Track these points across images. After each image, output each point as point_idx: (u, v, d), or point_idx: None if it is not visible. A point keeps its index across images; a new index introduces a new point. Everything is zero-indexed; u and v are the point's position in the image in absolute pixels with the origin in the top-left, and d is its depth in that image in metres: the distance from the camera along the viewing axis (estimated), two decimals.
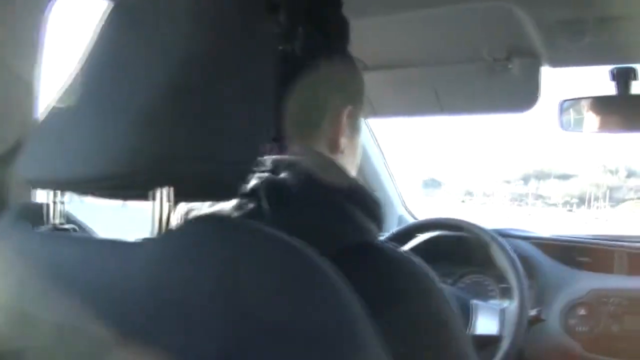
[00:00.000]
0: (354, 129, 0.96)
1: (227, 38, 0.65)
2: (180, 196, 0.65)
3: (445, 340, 0.78)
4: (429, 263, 2.03)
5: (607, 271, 1.98)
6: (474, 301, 1.70)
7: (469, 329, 1.63)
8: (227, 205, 0.79)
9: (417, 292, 0.76)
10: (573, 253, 2.04)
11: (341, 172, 0.86)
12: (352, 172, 0.95)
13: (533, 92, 1.43)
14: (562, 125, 1.66)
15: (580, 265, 2.01)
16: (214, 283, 0.57)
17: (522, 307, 1.59)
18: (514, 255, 1.67)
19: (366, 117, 1.78)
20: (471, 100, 1.55)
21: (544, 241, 2.10)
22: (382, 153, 2.34)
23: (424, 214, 2.62)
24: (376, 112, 1.71)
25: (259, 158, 0.80)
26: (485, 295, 2.06)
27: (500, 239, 1.71)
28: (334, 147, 0.90)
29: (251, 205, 0.78)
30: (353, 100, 0.93)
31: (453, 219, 1.85)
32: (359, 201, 0.81)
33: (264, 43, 0.71)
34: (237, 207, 0.79)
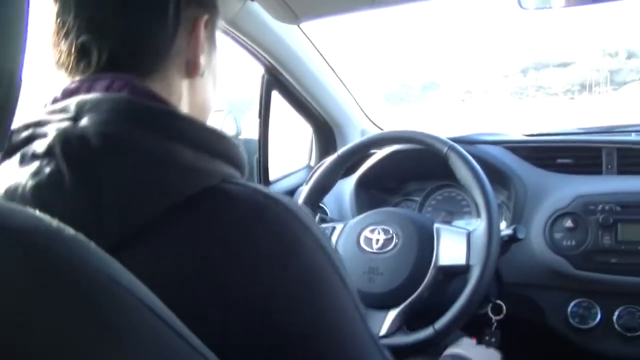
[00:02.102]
0: (212, 44, 0.82)
1: None
2: None
3: (310, 297, 0.65)
4: (394, 181, 1.79)
5: (594, 172, 1.72)
6: (437, 225, 1.45)
7: (433, 259, 1.38)
8: (24, 174, 0.63)
9: (269, 241, 0.64)
10: (553, 154, 1.77)
11: (162, 103, 0.69)
12: (214, 96, 0.85)
13: None
14: (521, 4, 1.37)
15: (562, 169, 1.74)
16: None
17: (491, 228, 1.33)
18: (477, 166, 1.39)
19: (288, 22, 1.53)
20: None
21: (518, 144, 1.82)
22: (329, 64, 2.05)
23: (392, 125, 2.37)
24: (298, 17, 1.46)
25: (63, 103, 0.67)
26: (459, 213, 1.87)
27: (458, 147, 1.43)
28: (193, 69, 0.77)
29: (49, 169, 0.62)
30: (207, 7, 0.79)
31: (403, 132, 1.57)
32: (186, 139, 0.66)
33: None
34: (34, 174, 0.63)
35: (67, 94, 0.69)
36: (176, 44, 0.74)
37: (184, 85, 0.76)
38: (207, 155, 0.67)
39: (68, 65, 0.73)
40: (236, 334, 0.61)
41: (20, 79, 0.53)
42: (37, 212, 0.50)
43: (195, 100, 0.79)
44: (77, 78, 0.72)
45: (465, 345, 1.34)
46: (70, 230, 0.49)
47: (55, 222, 0.49)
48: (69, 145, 0.62)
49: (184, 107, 0.77)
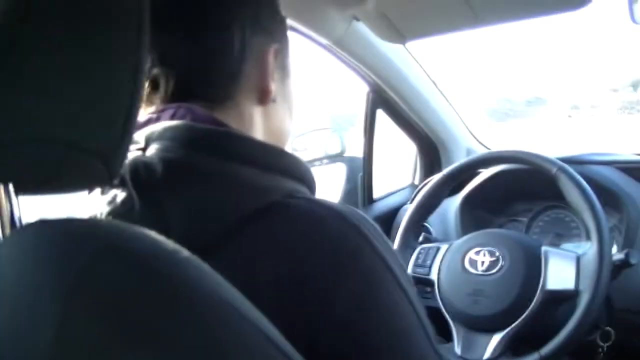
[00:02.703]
0: (284, 72, 0.84)
1: None
2: (25, 190, 0.57)
3: (369, 308, 0.64)
4: (500, 201, 1.75)
5: None
6: (545, 248, 1.42)
7: (541, 283, 1.35)
8: (102, 203, 0.67)
9: (324, 257, 0.63)
10: None
11: (221, 126, 0.71)
12: (290, 123, 0.86)
13: None
14: (634, 18, 1.32)
15: None
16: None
17: (602, 253, 1.29)
18: (588, 188, 1.35)
19: (394, 42, 1.54)
20: (509, 3, 1.25)
21: (630, 164, 1.75)
22: (434, 82, 2.04)
23: (497, 144, 2.32)
24: (404, 37, 1.46)
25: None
26: (568, 235, 1.81)
27: (569, 168, 1.39)
28: (264, 95, 0.78)
29: (122, 197, 0.65)
30: (275, 37, 0.81)
31: (511, 151, 1.54)
32: (248, 158, 0.68)
33: None
34: (110, 201, 0.66)
35: (140, 126, 0.72)
36: (245, 73, 0.76)
37: (256, 112, 0.78)
38: (268, 172, 0.68)
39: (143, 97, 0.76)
40: (296, 345, 0.59)
41: (136, 115, 0.56)
42: (155, 235, 0.52)
43: (270, 127, 0.81)
44: (150, 110, 0.75)
45: None
46: (185, 253, 0.51)
47: (171, 245, 0.51)
48: (137, 173, 0.64)
49: (259, 134, 0.79)
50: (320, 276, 0.62)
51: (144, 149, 0.68)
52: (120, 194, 0.65)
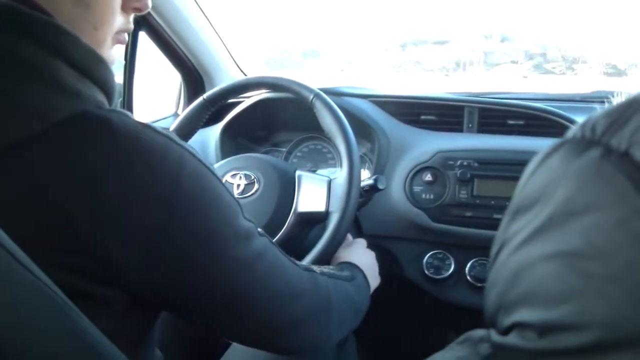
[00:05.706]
0: None
1: None
2: None
3: (205, 203, 0.69)
4: (261, 130, 1.74)
5: (455, 130, 1.76)
6: (299, 172, 1.44)
7: (294, 206, 1.37)
8: None
9: (153, 168, 0.64)
10: (418, 111, 1.80)
11: (47, 14, 0.64)
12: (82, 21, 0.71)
13: None
14: None
15: (426, 125, 1.77)
16: None
17: (351, 176, 1.33)
18: (341, 115, 1.38)
19: None
20: None
21: (384, 99, 1.84)
22: (203, 10, 1.98)
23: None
24: None
25: None
26: (324, 164, 1.85)
27: (325, 96, 1.42)
28: None
29: None
30: None
31: (270, 77, 1.53)
32: (70, 57, 0.63)
33: None
34: None
35: None
36: None
37: None
38: (86, 78, 0.65)
39: None
40: (134, 256, 0.62)
41: None
42: None
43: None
44: None
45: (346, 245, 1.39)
46: None
47: None
48: None
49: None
50: (150, 185, 0.63)
51: None
52: None
